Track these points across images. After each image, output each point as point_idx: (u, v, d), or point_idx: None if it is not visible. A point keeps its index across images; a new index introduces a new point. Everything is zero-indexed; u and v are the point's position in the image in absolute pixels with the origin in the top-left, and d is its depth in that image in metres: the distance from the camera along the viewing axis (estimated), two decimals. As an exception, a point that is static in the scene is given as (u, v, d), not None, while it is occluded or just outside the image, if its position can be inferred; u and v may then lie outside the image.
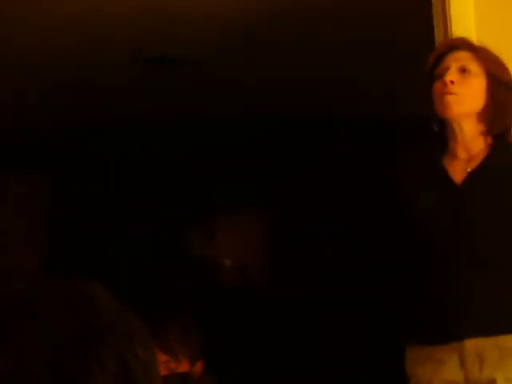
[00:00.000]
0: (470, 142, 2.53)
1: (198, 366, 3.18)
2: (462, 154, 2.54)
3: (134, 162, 6.07)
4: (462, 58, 2.53)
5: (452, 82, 2.49)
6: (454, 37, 2.82)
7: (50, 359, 0.95)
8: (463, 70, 2.52)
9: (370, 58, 4.64)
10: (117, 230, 5.97)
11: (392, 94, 5.01)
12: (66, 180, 6.04)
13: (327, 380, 5.62)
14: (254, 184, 6.01)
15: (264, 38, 4.35)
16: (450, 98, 2.49)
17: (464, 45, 2.59)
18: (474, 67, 2.52)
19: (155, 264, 5.88)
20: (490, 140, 2.54)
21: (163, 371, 3.03)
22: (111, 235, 5.97)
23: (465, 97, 2.50)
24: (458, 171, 2.52)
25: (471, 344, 2.38)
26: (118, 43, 4.34)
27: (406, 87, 2.72)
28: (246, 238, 6.11)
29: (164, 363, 3.06)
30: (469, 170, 2.51)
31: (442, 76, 2.52)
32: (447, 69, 2.52)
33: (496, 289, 2.41)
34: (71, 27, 4.10)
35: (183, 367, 3.08)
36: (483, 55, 2.55)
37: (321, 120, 5.72)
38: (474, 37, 2.80)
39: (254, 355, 5.77)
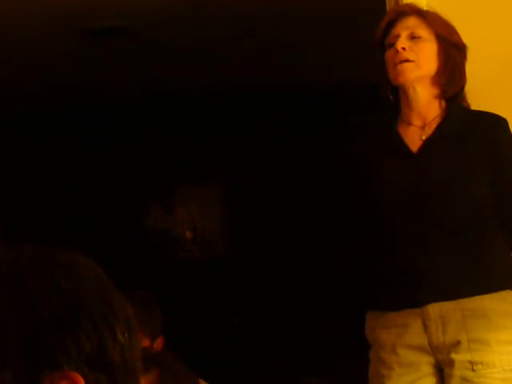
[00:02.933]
0: (425, 107, 2.54)
1: (159, 343, 3.16)
2: (416, 121, 2.55)
3: (87, 137, 6.03)
4: (411, 24, 2.55)
5: (404, 49, 2.51)
6: (403, 3, 2.82)
7: (25, 333, 0.92)
8: (413, 37, 2.53)
9: (319, 27, 4.62)
10: (73, 205, 5.94)
11: (344, 62, 5.01)
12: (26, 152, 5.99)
13: (293, 352, 5.65)
14: (211, 156, 6.00)
15: (212, 7, 4.31)
16: (403, 65, 2.50)
17: (412, 11, 2.60)
18: (424, 32, 2.54)
19: (115, 239, 5.85)
20: (443, 105, 2.55)
21: None
22: (68, 210, 5.93)
23: (418, 62, 2.51)
24: (414, 139, 2.53)
25: (434, 308, 2.41)
26: (64, 16, 4.27)
27: (358, 55, 2.72)
28: (206, 210, 6.10)
29: None
30: (424, 137, 2.52)
31: (393, 44, 2.53)
32: (397, 36, 2.53)
33: (455, 254, 2.43)
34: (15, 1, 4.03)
35: (143, 342, 3.06)
36: (432, 19, 2.57)
37: (269, 93, 5.72)
38: (424, 2, 2.80)
39: (218, 329, 5.78)
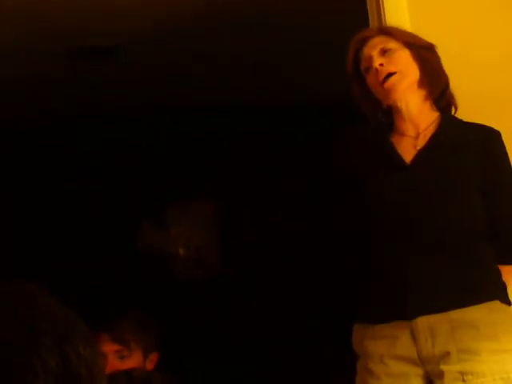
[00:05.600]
0: (417, 116, 2.55)
1: (152, 359, 3.18)
2: (410, 131, 2.55)
3: (78, 155, 6.03)
4: (377, 42, 2.57)
5: (382, 65, 2.52)
6: (386, 22, 2.88)
7: None
8: (384, 51, 2.55)
9: (307, 55, 4.67)
10: (65, 224, 5.94)
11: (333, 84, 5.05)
12: (12, 176, 6.01)
13: (285, 369, 5.65)
14: (204, 172, 6.02)
15: (198, 26, 4.34)
16: (389, 80, 2.52)
17: (373, 32, 2.64)
18: (392, 44, 2.56)
19: (108, 257, 5.86)
20: (435, 115, 2.57)
21: (116, 360, 3.04)
22: (58, 228, 5.93)
23: (401, 71, 2.53)
24: (408, 149, 2.53)
25: (423, 321, 2.40)
26: (52, 35, 4.29)
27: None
28: (199, 227, 6.11)
29: (117, 352, 3.07)
30: (418, 147, 2.52)
31: (369, 67, 2.56)
32: (370, 57, 2.55)
33: (444, 266, 2.43)
34: (5, 20, 4.06)
35: (136, 355, 3.09)
36: (394, 31, 2.61)
37: (263, 111, 5.74)
38: (408, 26, 2.85)
39: (210, 346, 5.78)
